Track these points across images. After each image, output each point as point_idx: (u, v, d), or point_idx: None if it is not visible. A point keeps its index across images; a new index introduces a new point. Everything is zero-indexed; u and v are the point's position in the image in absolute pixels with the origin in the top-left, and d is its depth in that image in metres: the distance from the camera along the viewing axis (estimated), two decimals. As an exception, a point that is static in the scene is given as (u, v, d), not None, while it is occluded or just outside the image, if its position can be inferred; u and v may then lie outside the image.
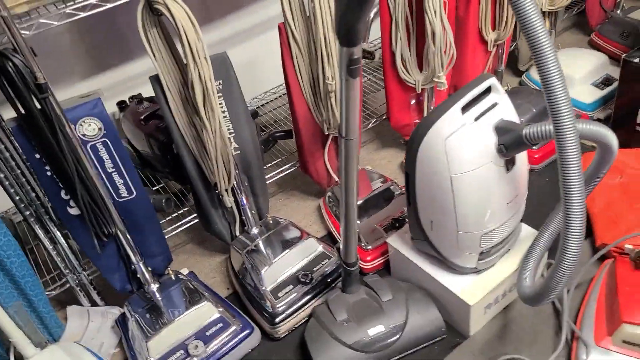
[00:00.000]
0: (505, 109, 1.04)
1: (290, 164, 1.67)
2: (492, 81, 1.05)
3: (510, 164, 1.05)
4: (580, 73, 1.78)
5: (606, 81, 1.77)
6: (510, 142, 0.99)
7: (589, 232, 1.35)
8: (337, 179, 1.54)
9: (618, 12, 2.05)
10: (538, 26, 0.79)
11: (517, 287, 1.08)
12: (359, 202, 1.48)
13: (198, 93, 1.12)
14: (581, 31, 2.19)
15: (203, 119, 1.16)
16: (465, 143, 1.01)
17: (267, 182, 1.63)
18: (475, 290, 1.15)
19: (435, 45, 1.37)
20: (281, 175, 1.67)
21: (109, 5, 1.05)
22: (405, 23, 1.43)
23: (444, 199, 1.07)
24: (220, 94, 1.26)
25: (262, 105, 1.99)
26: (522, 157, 1.07)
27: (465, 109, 1.01)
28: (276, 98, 2.02)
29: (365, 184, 1.56)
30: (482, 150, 1.01)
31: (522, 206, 1.15)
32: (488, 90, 1.05)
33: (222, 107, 1.27)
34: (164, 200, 1.47)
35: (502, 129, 1.01)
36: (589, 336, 1.08)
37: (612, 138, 0.93)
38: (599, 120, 1.72)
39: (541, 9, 1.82)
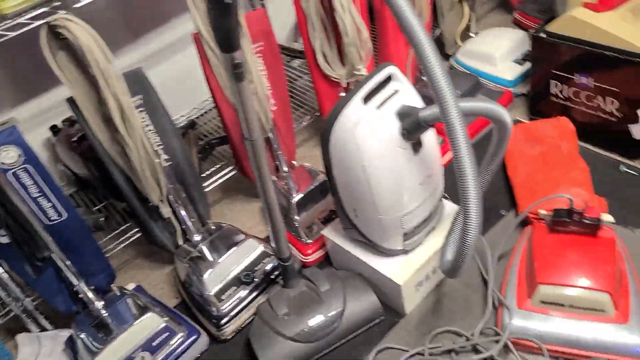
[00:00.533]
0: (406, 95, 1.09)
1: (230, 169, 1.70)
2: (392, 70, 1.10)
3: (417, 146, 1.10)
4: (500, 51, 1.85)
5: (526, 57, 1.84)
6: (411, 126, 1.04)
7: (513, 203, 1.42)
8: (273, 178, 1.57)
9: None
10: (410, 18, 0.84)
11: (440, 262, 1.13)
12: (298, 197, 1.52)
13: (114, 111, 1.15)
14: (505, 11, 2.26)
15: (123, 135, 1.18)
16: (370, 132, 1.05)
17: (210, 188, 1.67)
18: (404, 270, 1.20)
19: (348, 40, 1.42)
20: (223, 180, 1.70)
21: (11, 34, 1.06)
22: (321, 19, 1.47)
23: (360, 187, 1.11)
24: (142, 109, 1.29)
25: (201, 115, 2.02)
26: (429, 138, 1.13)
27: (366, 99, 1.06)
28: (215, 106, 2.05)
29: (305, 180, 1.60)
30: (388, 136, 1.06)
31: (438, 185, 1.21)
32: (389, 79, 1.10)
33: (145, 121, 1.30)
34: (102, 219, 1.49)
35: (403, 114, 1.06)
36: (512, 301, 1.14)
37: (500, 112, 0.98)
38: (522, 94, 1.79)
39: (459, -5, 1.89)
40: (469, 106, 0.97)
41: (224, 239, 1.46)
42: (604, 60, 1.38)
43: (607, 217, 1.14)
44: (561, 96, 1.55)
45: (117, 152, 1.26)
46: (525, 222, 1.32)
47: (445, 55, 2.08)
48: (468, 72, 1.90)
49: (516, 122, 1.67)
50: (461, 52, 1.98)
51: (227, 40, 0.76)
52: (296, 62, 2.17)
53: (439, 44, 2.07)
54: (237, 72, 0.81)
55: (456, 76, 1.85)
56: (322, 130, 1.10)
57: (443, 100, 0.88)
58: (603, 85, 1.42)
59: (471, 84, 1.75)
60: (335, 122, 1.07)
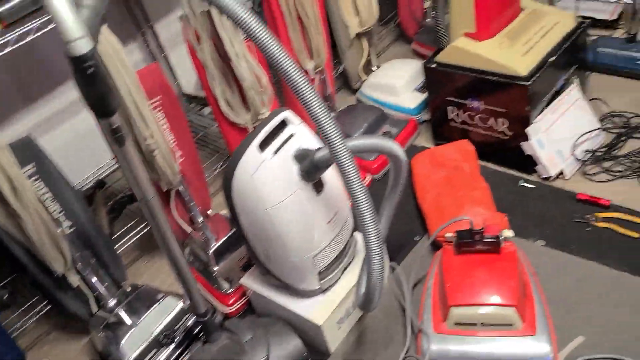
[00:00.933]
0: (302, 138, 1.11)
1: (144, 225, 1.66)
2: (286, 114, 1.12)
3: (319, 186, 1.11)
4: (401, 82, 1.93)
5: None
6: (308, 168, 1.06)
7: (425, 228, 1.46)
8: (188, 230, 1.54)
9: (428, 19, 2.24)
10: (288, 66, 0.86)
11: (355, 296, 1.14)
12: (215, 247, 1.49)
13: (2, 183, 1.10)
14: (404, 42, 2.37)
15: (15, 208, 1.13)
16: (269, 177, 1.06)
17: (125, 248, 1.62)
18: (323, 309, 1.20)
19: (247, 86, 1.44)
20: (138, 237, 1.65)
21: None
22: (219, 67, 1.48)
23: (268, 232, 1.11)
24: (36, 177, 1.24)
25: (112, 172, 1.96)
26: (330, 178, 1.15)
27: (262, 145, 1.07)
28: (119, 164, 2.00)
29: (222, 228, 1.57)
30: (288, 180, 1.07)
31: (347, 221, 1.22)
32: (283, 124, 1.11)
33: (41, 189, 1.25)
34: (5, 296, 1.40)
35: (300, 157, 1.07)
36: (429, 326, 1.16)
37: (390, 146, 1.01)
38: (425, 121, 1.87)
39: (356, 33, 1.96)
40: (359, 144, 1.00)
41: (141, 300, 1.40)
42: (489, 84, 1.47)
43: (507, 233, 1.19)
44: (458, 120, 1.63)
45: (12, 225, 1.20)
46: (438, 246, 1.36)
47: (351, 90, 2.15)
48: (374, 104, 1.97)
49: (422, 148, 1.74)
50: (366, 85, 2.05)
51: (101, 107, 0.75)
52: (207, 110, 2.17)
53: (344, 79, 2.14)
54: (117, 137, 0.79)
55: (362, 109, 1.91)
56: (223, 180, 1.10)
57: (330, 142, 0.90)
58: (492, 108, 1.51)
59: (376, 116, 1.82)
60: (234, 172, 1.07)
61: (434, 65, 1.60)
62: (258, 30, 0.82)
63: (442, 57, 1.57)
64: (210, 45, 1.44)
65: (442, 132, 1.73)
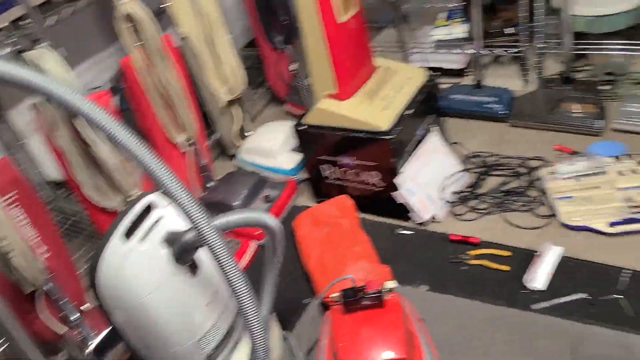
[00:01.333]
0: (170, 220, 1.06)
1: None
2: (151, 198, 1.07)
3: (193, 268, 1.07)
4: (276, 144, 1.96)
5: (300, 145, 1.97)
6: (180, 251, 1.01)
7: (313, 289, 1.45)
8: (62, 331, 1.41)
9: (296, 81, 2.31)
10: (137, 150, 0.84)
11: (248, 377, 1.09)
12: (93, 346, 1.37)
13: None
14: (278, 104, 2.42)
15: None
16: (139, 267, 1.00)
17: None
18: (215, 396, 1.13)
19: (110, 169, 1.38)
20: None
21: None
22: (81, 152, 1.41)
23: (145, 324, 1.04)
24: None
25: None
26: (205, 257, 1.11)
27: (128, 234, 1.01)
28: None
29: (102, 322, 1.46)
30: (159, 267, 1.02)
31: (229, 298, 1.18)
32: (149, 209, 1.06)
33: None
34: None
35: (170, 241, 1.03)
36: (326, 393, 1.13)
37: (260, 218, 1.01)
38: (304, 180, 1.89)
39: (227, 100, 1.98)
40: (228, 222, 0.98)
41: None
42: (356, 141, 1.53)
43: (390, 284, 1.21)
44: (333, 177, 1.68)
45: None
46: (327, 306, 1.35)
47: (229, 156, 2.14)
48: (253, 168, 1.97)
49: (304, 207, 1.76)
50: (243, 150, 2.05)
51: None
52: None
53: (221, 146, 2.13)
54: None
55: (241, 176, 1.90)
56: (89, 277, 1.02)
57: (196, 225, 0.87)
58: (362, 162, 1.57)
59: (255, 181, 1.81)
60: (99, 266, 1.00)
61: (303, 127, 1.64)
62: (99, 117, 0.79)
63: (309, 119, 1.62)
64: (69, 131, 1.37)
65: (321, 189, 1.77)
